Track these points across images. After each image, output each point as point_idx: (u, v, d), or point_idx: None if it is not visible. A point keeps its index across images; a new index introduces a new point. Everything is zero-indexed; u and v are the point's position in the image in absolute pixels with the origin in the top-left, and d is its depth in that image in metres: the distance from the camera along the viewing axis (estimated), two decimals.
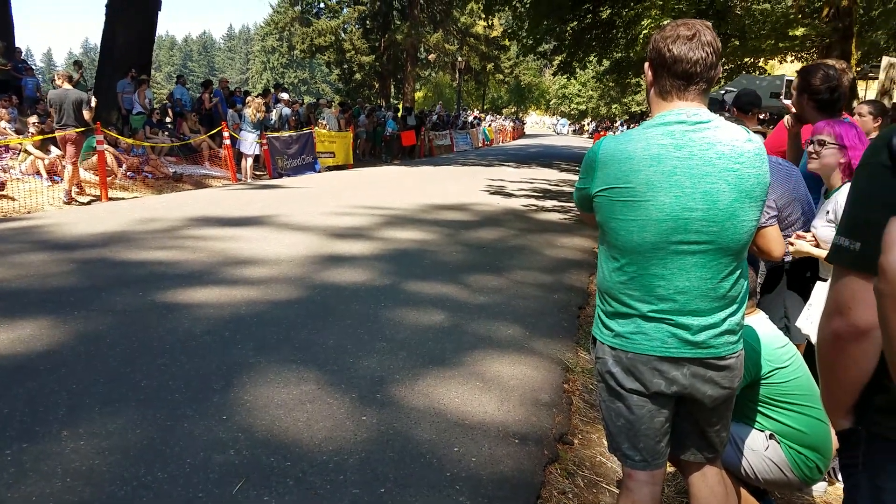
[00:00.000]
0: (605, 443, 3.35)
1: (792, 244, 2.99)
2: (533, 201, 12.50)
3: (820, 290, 2.97)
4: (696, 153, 1.79)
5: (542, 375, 4.10)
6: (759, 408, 2.49)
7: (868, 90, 18.40)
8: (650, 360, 1.88)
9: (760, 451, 2.46)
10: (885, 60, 10.37)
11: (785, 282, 3.36)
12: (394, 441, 3.17)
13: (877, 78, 11.84)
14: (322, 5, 39.35)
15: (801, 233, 3.02)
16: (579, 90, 62.97)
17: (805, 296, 3.15)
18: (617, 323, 1.94)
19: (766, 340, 2.44)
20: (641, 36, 10.46)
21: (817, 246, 2.92)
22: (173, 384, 3.62)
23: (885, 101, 9.47)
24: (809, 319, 2.93)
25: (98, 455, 2.87)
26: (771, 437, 2.47)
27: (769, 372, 2.42)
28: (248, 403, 3.45)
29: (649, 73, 1.92)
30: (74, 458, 2.84)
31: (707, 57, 1.80)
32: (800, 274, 3.23)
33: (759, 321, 2.52)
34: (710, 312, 1.85)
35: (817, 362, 1.46)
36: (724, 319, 1.87)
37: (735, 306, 1.90)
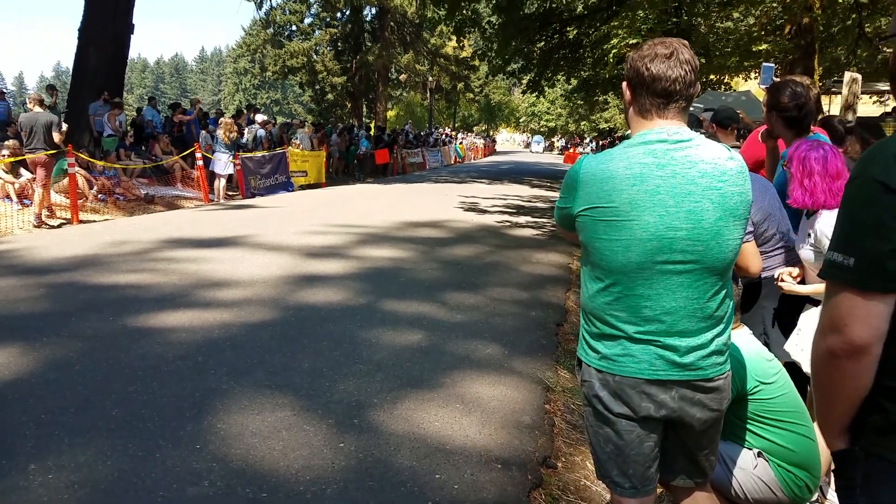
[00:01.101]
0: (590, 466, 3.32)
1: (782, 282, 3.01)
2: (506, 217, 12.52)
3: (809, 316, 2.95)
4: (679, 172, 1.77)
5: (522, 396, 4.06)
6: (747, 425, 2.47)
7: (831, 105, 18.81)
8: (638, 384, 1.85)
9: (749, 469, 2.45)
10: (848, 76, 10.60)
11: (762, 298, 3.37)
12: (373, 469, 3.09)
13: (840, 93, 12.10)
14: (294, 28, 39.35)
15: (790, 272, 3.04)
16: (548, 108, 63.58)
17: (795, 319, 3.13)
18: (603, 345, 1.90)
19: (751, 356, 2.43)
20: (611, 55, 10.61)
21: (802, 277, 2.96)
22: (145, 412, 3.52)
23: (850, 116, 9.68)
24: (799, 346, 2.90)
25: (67, 489, 2.77)
26: (759, 454, 2.45)
27: (755, 387, 2.40)
28: (222, 432, 3.36)
29: (628, 92, 1.91)
30: (42, 492, 2.73)
31: (686, 75, 1.80)
32: (790, 301, 3.21)
33: (744, 336, 2.51)
34: (697, 333, 1.83)
35: (812, 381, 1.44)
36: (712, 340, 1.85)
37: (722, 326, 1.88)
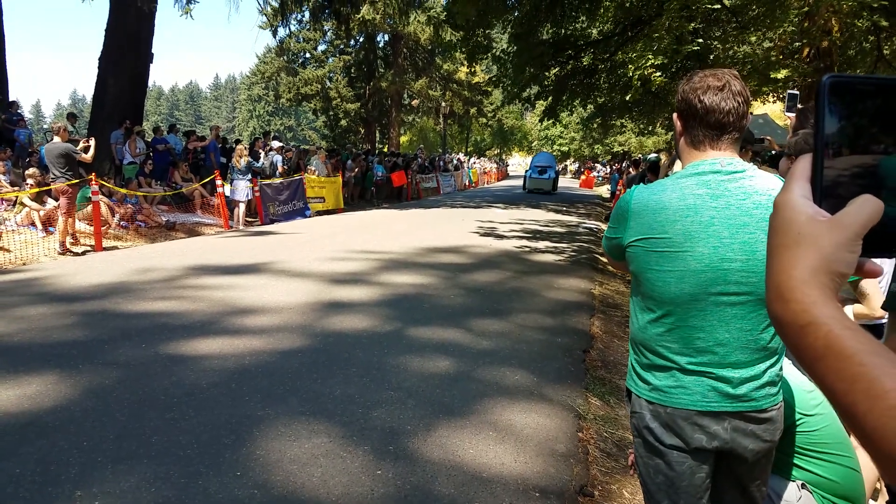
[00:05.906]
0: (627, 494, 3.33)
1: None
2: (525, 242, 12.55)
3: None
4: (733, 203, 1.77)
5: (555, 424, 4.07)
6: (790, 458, 2.46)
7: None
8: (690, 415, 1.84)
9: (793, 501, 2.44)
10: None
11: None
12: (412, 497, 3.11)
13: None
14: (308, 55, 39.83)
15: None
16: (561, 132, 63.75)
17: None
18: (654, 376, 1.90)
19: (794, 386, 2.43)
20: (635, 77, 10.68)
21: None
22: (184, 439, 3.56)
23: None
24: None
25: None
26: (803, 486, 2.44)
27: (798, 420, 2.41)
28: (261, 459, 3.40)
29: (678, 123, 1.91)
30: None
31: (738, 107, 1.80)
32: None
33: (786, 367, 2.51)
34: (750, 364, 1.82)
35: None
36: (765, 371, 1.84)
37: (775, 357, 1.87)
